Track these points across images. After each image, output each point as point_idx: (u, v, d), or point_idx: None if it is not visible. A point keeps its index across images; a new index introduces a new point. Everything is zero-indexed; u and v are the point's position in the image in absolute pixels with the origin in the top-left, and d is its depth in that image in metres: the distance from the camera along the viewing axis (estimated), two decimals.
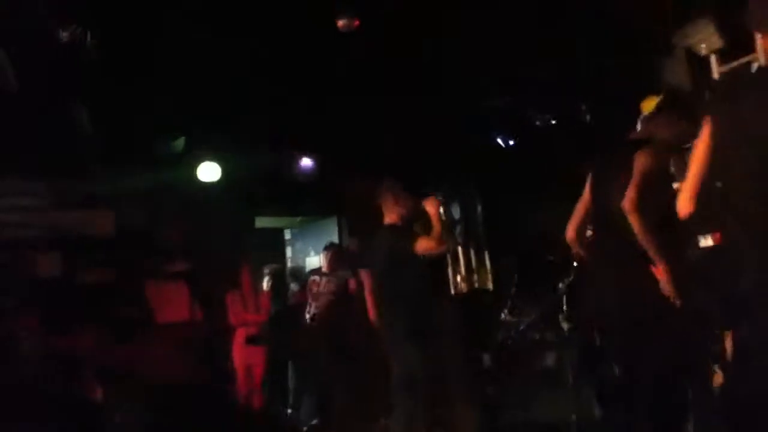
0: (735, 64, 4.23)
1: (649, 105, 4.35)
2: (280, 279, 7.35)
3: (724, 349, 3.43)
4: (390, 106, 6.13)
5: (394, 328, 4.32)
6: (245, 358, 6.55)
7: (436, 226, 4.28)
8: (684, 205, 2.51)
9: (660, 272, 2.94)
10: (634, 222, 2.94)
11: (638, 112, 4.41)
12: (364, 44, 5.29)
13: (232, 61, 5.67)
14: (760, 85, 2.25)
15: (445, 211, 4.54)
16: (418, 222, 4.53)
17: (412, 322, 4.22)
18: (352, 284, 6.37)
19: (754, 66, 4.00)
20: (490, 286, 5.12)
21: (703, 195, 2.42)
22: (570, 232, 3.34)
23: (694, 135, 2.64)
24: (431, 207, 4.35)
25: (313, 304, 6.57)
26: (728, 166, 2.23)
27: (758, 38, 2.64)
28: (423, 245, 4.25)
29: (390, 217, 4.46)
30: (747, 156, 2.15)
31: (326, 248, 6.87)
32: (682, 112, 3.18)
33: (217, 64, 5.64)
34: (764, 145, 2.10)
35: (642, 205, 2.95)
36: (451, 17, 5.12)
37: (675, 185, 3.92)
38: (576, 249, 3.45)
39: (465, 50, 5.51)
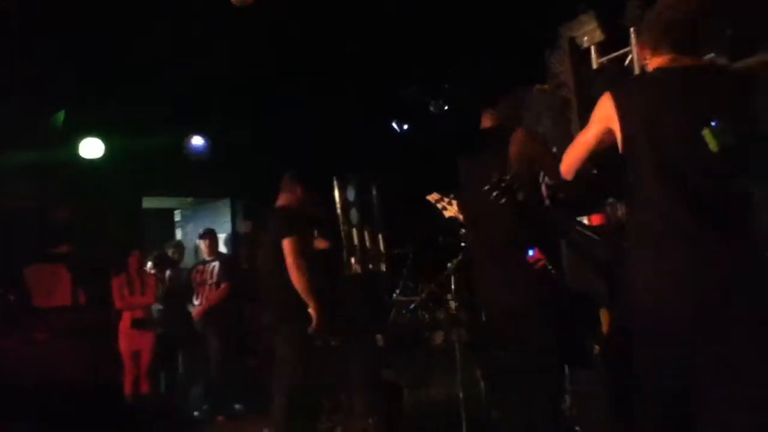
0: (612, 55, 4.52)
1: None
2: (171, 260, 7.11)
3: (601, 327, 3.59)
4: (289, 87, 6.05)
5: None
6: (132, 343, 6.32)
7: None
8: (566, 171, 2.50)
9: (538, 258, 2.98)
10: None
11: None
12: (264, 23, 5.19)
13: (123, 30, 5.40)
14: (661, 85, 2.28)
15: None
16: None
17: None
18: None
19: (629, 58, 4.31)
20: (383, 267, 5.19)
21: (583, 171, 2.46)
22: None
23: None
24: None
25: (199, 292, 6.47)
26: (635, 157, 2.24)
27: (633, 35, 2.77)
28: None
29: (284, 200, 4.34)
30: (653, 151, 2.18)
31: (203, 235, 6.75)
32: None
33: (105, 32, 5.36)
34: (668, 144, 2.16)
35: None
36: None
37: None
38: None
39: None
